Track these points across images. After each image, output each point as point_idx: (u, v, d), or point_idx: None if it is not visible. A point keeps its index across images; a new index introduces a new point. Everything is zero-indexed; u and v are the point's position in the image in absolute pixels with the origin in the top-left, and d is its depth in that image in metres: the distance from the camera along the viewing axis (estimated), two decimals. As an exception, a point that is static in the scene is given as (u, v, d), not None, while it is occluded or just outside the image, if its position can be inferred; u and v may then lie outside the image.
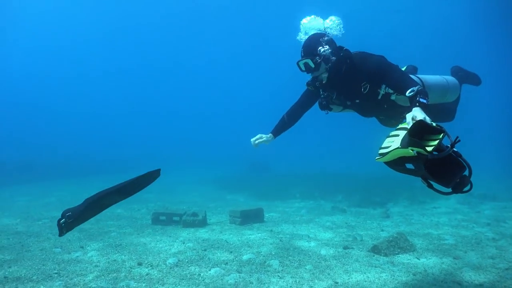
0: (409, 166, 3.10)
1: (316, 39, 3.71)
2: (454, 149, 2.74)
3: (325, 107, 3.98)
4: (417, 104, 3.10)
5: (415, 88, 3.25)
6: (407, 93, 3.26)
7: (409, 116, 2.99)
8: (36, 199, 11.87)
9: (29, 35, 48.33)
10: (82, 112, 50.85)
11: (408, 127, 2.87)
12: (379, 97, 3.76)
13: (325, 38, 3.72)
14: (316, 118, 4.76)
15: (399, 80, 3.53)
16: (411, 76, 3.97)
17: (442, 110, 4.58)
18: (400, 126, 3.16)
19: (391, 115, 4.06)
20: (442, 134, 2.67)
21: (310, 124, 4.44)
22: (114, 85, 57.11)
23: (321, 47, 3.65)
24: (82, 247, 6.12)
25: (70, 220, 3.03)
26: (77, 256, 5.61)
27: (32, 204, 10.79)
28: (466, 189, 2.79)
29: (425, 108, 3.06)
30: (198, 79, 59.19)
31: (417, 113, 2.96)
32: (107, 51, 53.91)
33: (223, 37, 51.54)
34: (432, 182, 2.91)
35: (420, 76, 4.23)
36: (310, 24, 3.86)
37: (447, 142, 2.75)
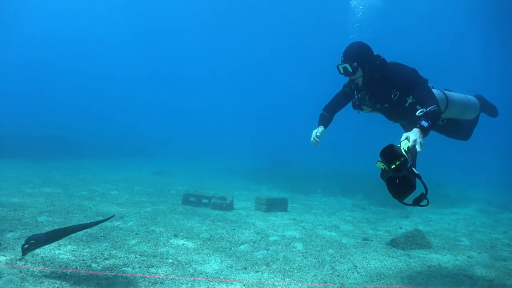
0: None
1: (356, 47, 4.12)
2: (415, 171, 3.09)
3: (357, 107, 4.40)
4: (418, 125, 3.44)
5: (425, 110, 3.57)
6: (417, 113, 3.61)
7: (404, 135, 3.36)
8: (72, 174, 12.56)
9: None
10: (115, 99, 52.39)
11: (401, 145, 3.27)
12: (407, 105, 4.13)
13: (364, 47, 4.13)
14: (339, 117, 5.10)
15: (422, 95, 3.87)
16: (436, 90, 4.35)
17: (460, 127, 4.91)
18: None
19: (414, 123, 4.42)
20: (402, 159, 3.09)
21: (333, 123, 4.77)
22: (152, 74, 58.59)
23: (359, 55, 4.05)
24: (122, 218, 6.67)
25: (32, 247, 3.73)
26: (118, 225, 6.14)
27: (69, 178, 11.46)
28: (423, 203, 3.11)
29: (424, 130, 3.39)
30: (225, 75, 60.01)
31: (412, 134, 3.31)
32: (137, 45, 55.34)
33: (259, 33, 52.03)
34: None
35: (445, 91, 4.59)
36: None
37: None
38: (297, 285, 4.13)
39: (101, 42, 55.31)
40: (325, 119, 4.61)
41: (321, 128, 4.46)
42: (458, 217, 10.14)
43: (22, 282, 3.50)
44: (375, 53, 4.18)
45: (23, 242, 4.61)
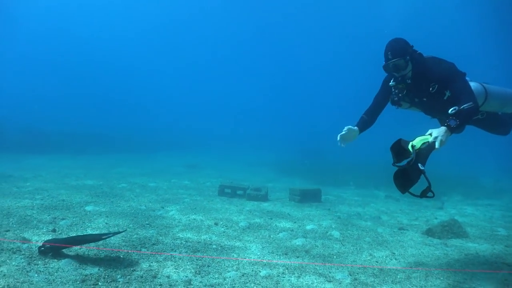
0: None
1: (402, 42, 4.14)
2: (421, 167, 3.28)
3: (396, 103, 4.43)
4: (446, 124, 3.54)
5: (458, 108, 3.64)
6: (449, 110, 3.68)
7: (429, 130, 3.50)
8: (110, 168, 13.02)
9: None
10: (148, 96, 53.71)
11: (427, 139, 3.47)
12: (445, 98, 4.11)
13: (406, 41, 4.15)
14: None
15: (459, 90, 3.92)
16: (475, 83, 4.35)
17: (499, 122, 4.85)
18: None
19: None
20: (411, 157, 3.37)
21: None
22: (185, 69, 59.78)
23: (407, 49, 4.08)
24: (163, 207, 6.94)
25: (48, 250, 3.92)
26: (161, 214, 6.41)
27: (108, 172, 11.89)
28: (429, 194, 3.30)
29: (451, 129, 3.50)
30: (258, 71, 60.45)
31: (436, 131, 3.47)
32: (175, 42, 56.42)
33: (295, 30, 52.25)
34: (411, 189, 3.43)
35: (484, 84, 4.58)
36: None
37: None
38: (338, 269, 4.27)
39: (134, 38, 56.47)
40: (363, 122, 4.53)
41: (354, 128, 4.41)
42: (493, 208, 10.02)
43: (80, 263, 3.77)
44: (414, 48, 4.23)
45: (76, 228, 4.94)
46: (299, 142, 25.70)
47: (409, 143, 3.53)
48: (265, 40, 56.19)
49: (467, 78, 4.25)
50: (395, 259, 4.82)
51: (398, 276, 4.14)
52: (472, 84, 4.22)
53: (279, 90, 61.58)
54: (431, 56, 4.27)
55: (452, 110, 3.66)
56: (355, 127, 4.44)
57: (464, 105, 3.65)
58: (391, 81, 4.33)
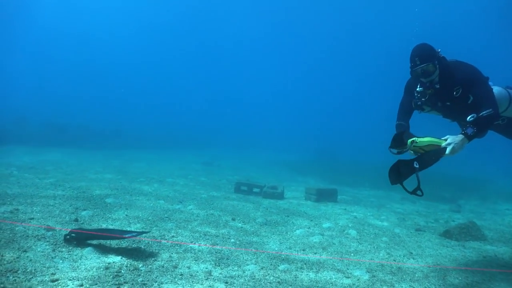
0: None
1: (429, 47, 4.09)
2: (415, 166, 3.38)
3: (419, 107, 4.38)
4: (463, 132, 3.56)
5: (477, 116, 3.66)
6: (468, 118, 3.71)
7: (447, 137, 3.55)
8: (128, 163, 13.16)
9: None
10: (165, 94, 54.26)
11: (440, 143, 3.56)
12: (469, 102, 4.05)
13: (432, 46, 4.10)
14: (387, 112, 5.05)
15: (482, 95, 3.89)
16: (499, 88, 4.33)
17: None
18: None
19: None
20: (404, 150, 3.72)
21: (377, 118, 4.82)
22: (202, 68, 60.21)
23: (434, 54, 4.03)
24: (181, 202, 7.03)
25: (72, 239, 4.01)
26: (179, 208, 6.49)
27: (126, 167, 12.04)
28: (418, 193, 3.37)
29: (468, 137, 3.53)
30: (269, 69, 60.45)
31: (451, 138, 3.53)
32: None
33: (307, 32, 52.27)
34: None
35: (509, 89, 4.52)
36: None
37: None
38: (356, 265, 4.30)
39: (144, 37, 57.03)
40: (401, 127, 4.42)
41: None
42: (512, 213, 9.92)
43: (103, 252, 3.85)
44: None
45: (97, 219, 5.04)
46: (314, 142, 25.66)
47: (412, 138, 3.63)
48: (281, 39, 56.19)
49: (490, 82, 4.22)
50: (413, 258, 4.82)
51: (416, 275, 4.15)
52: (496, 89, 4.20)
53: (295, 90, 61.57)
54: (454, 60, 4.22)
55: (470, 118, 3.67)
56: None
57: (483, 112, 3.65)
58: (418, 86, 4.22)
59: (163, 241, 4.51)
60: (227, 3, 51.45)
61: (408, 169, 3.40)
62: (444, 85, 4.07)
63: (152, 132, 24.27)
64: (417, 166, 3.38)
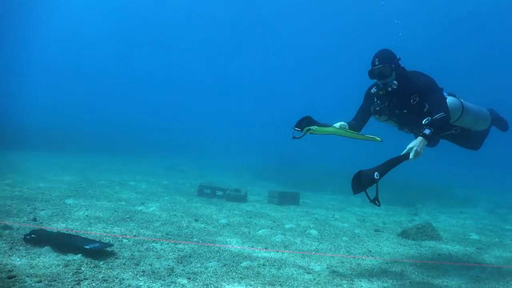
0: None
1: (390, 52, 4.34)
2: (375, 177, 3.51)
3: (377, 112, 4.56)
4: (421, 134, 3.77)
5: (432, 118, 3.88)
6: (423, 121, 3.93)
7: (409, 145, 3.72)
8: (89, 166, 12.88)
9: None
10: (128, 98, 53.12)
11: (404, 151, 3.73)
12: (425, 110, 4.27)
13: (393, 52, 4.34)
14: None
15: (436, 102, 4.13)
16: (453, 98, 4.56)
17: (472, 137, 5.11)
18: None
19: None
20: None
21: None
22: (163, 74, 59.20)
23: (393, 58, 4.28)
24: (143, 203, 6.95)
25: (32, 240, 3.88)
26: (141, 209, 6.42)
27: (87, 168, 11.79)
28: (376, 202, 3.55)
29: (426, 138, 3.73)
30: (230, 74, 60.36)
31: (413, 142, 3.72)
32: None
33: (257, 35, 52.47)
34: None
35: (462, 100, 4.79)
36: None
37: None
38: (316, 262, 4.38)
39: (115, 42, 55.91)
40: (351, 126, 4.62)
41: (345, 124, 4.54)
42: (466, 216, 10.32)
43: (62, 251, 3.77)
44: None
45: (56, 219, 4.93)
46: (277, 148, 25.84)
47: (309, 127, 3.96)
48: (241, 43, 56.15)
49: (444, 93, 4.46)
50: (372, 256, 4.96)
51: (375, 271, 4.27)
52: (450, 99, 4.43)
53: (257, 95, 61.73)
54: (413, 70, 4.44)
55: (425, 121, 3.88)
56: (345, 124, 4.60)
57: (437, 115, 3.87)
58: (373, 88, 4.51)
59: (124, 240, 4.46)
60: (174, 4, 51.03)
61: (368, 179, 3.52)
62: (399, 90, 4.25)
63: (115, 136, 23.79)
64: (377, 178, 3.50)
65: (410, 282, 3.98)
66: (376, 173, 3.51)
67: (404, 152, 3.69)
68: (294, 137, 4.04)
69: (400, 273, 4.25)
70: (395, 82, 4.24)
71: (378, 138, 4.34)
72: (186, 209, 6.94)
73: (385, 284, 3.83)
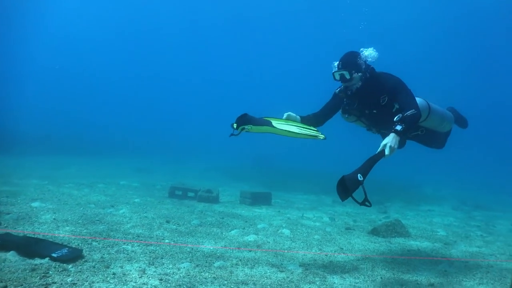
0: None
1: (353, 55, 4.40)
2: (359, 179, 3.52)
3: (347, 112, 4.65)
4: (393, 130, 3.83)
5: (402, 115, 3.96)
6: (395, 118, 3.99)
7: (382, 142, 3.76)
8: (56, 169, 12.55)
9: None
10: (98, 99, 51.79)
11: (379, 149, 3.75)
12: (394, 110, 4.37)
13: (359, 56, 4.41)
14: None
15: (405, 99, 4.24)
16: (421, 99, 4.69)
17: (436, 137, 5.28)
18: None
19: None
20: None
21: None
22: (135, 74, 57.92)
23: (356, 63, 4.34)
24: (113, 206, 6.82)
25: None
26: (111, 212, 6.30)
27: (54, 172, 11.48)
28: (367, 204, 3.58)
29: (398, 134, 3.80)
30: (202, 75, 59.80)
31: (386, 139, 3.77)
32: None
33: (228, 36, 52.22)
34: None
35: (428, 101, 4.93)
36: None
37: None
38: (289, 261, 4.40)
39: (79, 40, 54.50)
40: (307, 118, 4.73)
41: (294, 116, 4.61)
42: (433, 213, 10.58)
43: (28, 255, 3.65)
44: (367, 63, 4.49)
45: (22, 222, 4.78)
46: (250, 149, 25.84)
47: (244, 125, 4.09)
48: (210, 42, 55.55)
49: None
50: (343, 253, 5.02)
51: (347, 267, 4.32)
52: (418, 99, 4.53)
53: (229, 96, 61.50)
54: (382, 72, 4.53)
55: (397, 118, 3.94)
56: (297, 116, 4.65)
57: (408, 112, 3.94)
58: (337, 88, 4.61)
59: (94, 242, 4.36)
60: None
61: (353, 182, 3.51)
62: (363, 94, 4.36)
63: (84, 137, 23.26)
64: (361, 179, 3.51)
65: (381, 277, 4.04)
66: (359, 174, 3.52)
67: (379, 149, 3.73)
68: (232, 135, 4.13)
69: (371, 269, 4.31)
70: (356, 85, 4.35)
71: (322, 136, 4.32)
72: (157, 210, 6.85)
73: (357, 280, 3.88)
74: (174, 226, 5.73)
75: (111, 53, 56.21)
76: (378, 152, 3.73)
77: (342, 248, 5.27)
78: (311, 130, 4.37)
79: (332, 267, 4.27)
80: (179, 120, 50.34)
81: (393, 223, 6.76)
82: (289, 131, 4.25)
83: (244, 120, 4.11)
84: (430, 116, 4.74)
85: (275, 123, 4.29)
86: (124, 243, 4.48)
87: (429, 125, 4.90)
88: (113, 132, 29.17)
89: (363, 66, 4.37)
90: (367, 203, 3.55)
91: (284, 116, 4.58)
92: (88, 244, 4.29)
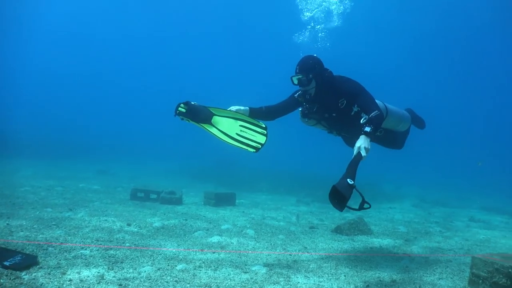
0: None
1: (310, 60, 4.44)
2: (349, 182, 3.48)
3: (306, 115, 4.69)
4: (362, 132, 3.89)
5: (368, 116, 4.03)
6: (361, 120, 4.06)
7: (356, 145, 3.79)
8: (12, 172, 12.03)
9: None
10: (56, 99, 49.99)
11: (354, 153, 3.76)
12: (352, 113, 4.47)
13: (317, 60, 4.46)
14: (284, 122, 5.30)
15: (365, 102, 4.30)
16: (378, 101, 4.75)
17: (394, 138, 5.39)
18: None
19: (356, 134, 4.81)
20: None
21: (280, 126, 5.10)
22: (96, 75, 56.18)
23: (313, 67, 4.37)
24: (71, 210, 6.59)
25: None
26: (69, 215, 6.08)
27: (9, 174, 11.03)
28: (366, 206, 3.53)
29: (368, 135, 3.85)
30: (163, 75, 58.83)
31: (358, 142, 3.80)
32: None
33: (187, 31, 51.70)
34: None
35: (385, 102, 5.02)
36: None
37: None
38: (253, 261, 4.35)
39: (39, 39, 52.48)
40: (259, 111, 4.70)
41: (242, 108, 4.59)
42: (394, 211, 10.79)
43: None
44: (324, 67, 4.53)
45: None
46: (214, 150, 25.66)
47: (187, 119, 4.19)
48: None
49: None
50: (307, 252, 5.02)
51: (311, 266, 4.32)
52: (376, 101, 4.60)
53: (190, 97, 60.74)
54: (339, 75, 4.58)
55: (363, 120, 3.99)
56: (246, 108, 4.63)
57: (372, 114, 4.01)
58: (296, 93, 4.62)
59: (50, 248, 4.18)
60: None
61: (346, 188, 3.44)
62: (320, 97, 4.43)
63: (43, 139, 22.40)
64: (352, 182, 3.46)
65: (344, 275, 4.05)
66: (348, 179, 3.47)
67: (355, 153, 3.74)
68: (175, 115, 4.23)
69: (334, 267, 4.32)
70: (314, 89, 4.40)
71: (252, 149, 4.33)
72: (118, 213, 6.66)
73: (321, 279, 3.87)
74: (135, 229, 5.58)
75: (63, 54, 54.17)
76: (355, 156, 3.73)
77: (306, 247, 5.27)
78: (244, 139, 4.35)
79: (296, 267, 4.25)
80: (141, 121, 49.36)
81: (356, 221, 6.83)
82: (221, 137, 4.30)
83: (187, 108, 4.20)
84: (388, 116, 4.85)
85: (217, 113, 4.34)
86: (82, 248, 4.31)
87: (387, 125, 4.98)
88: (74, 134, 28.30)
89: (321, 70, 4.41)
90: (366, 205, 3.50)
91: (234, 109, 4.56)
92: (44, 250, 4.11)
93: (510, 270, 3.60)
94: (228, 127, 4.34)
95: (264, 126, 4.46)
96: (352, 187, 3.45)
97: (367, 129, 3.87)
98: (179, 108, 4.20)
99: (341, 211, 3.57)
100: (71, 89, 54.59)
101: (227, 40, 51.69)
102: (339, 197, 3.46)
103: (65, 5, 48.04)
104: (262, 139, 4.36)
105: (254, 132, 4.38)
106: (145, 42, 54.34)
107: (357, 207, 3.49)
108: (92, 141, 26.42)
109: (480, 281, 3.80)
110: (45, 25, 48.31)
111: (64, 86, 54.33)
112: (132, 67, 57.54)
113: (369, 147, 3.77)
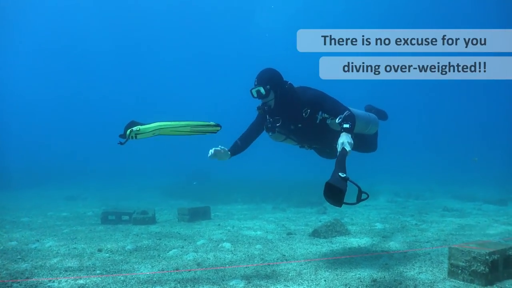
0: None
1: (270, 72, 4.44)
2: (342, 175, 3.38)
3: (270, 129, 4.63)
4: (342, 129, 3.89)
5: (342, 115, 4.04)
6: (337, 120, 4.05)
7: (339, 142, 3.75)
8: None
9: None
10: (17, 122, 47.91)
11: (339, 149, 3.70)
12: (317, 121, 4.43)
13: (275, 72, 4.47)
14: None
15: (333, 105, 4.33)
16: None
17: (365, 142, 5.38)
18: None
19: (326, 143, 4.79)
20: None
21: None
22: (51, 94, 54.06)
23: (271, 79, 4.37)
24: (38, 240, 6.30)
25: None
26: (36, 247, 5.80)
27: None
28: (363, 197, 3.45)
29: (348, 131, 3.85)
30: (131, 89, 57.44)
31: (341, 139, 3.76)
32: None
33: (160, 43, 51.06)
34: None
35: (350, 107, 5.03)
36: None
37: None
38: (231, 276, 4.22)
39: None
40: (236, 147, 4.75)
41: (227, 152, 4.62)
42: (370, 208, 10.85)
43: None
44: (284, 79, 4.51)
45: None
46: (185, 164, 25.38)
47: (135, 128, 3.92)
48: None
49: None
50: (286, 260, 4.92)
51: (290, 274, 4.22)
52: None
53: (160, 111, 59.74)
54: (301, 86, 4.59)
55: (339, 119, 4.00)
56: (228, 151, 4.64)
57: (345, 113, 4.03)
58: (259, 105, 4.59)
59: (14, 284, 3.94)
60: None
61: (341, 182, 3.35)
62: (283, 109, 4.41)
63: (3, 168, 21.57)
64: (344, 175, 3.37)
65: (324, 280, 3.97)
66: (339, 173, 3.38)
67: (339, 150, 3.68)
68: (120, 143, 3.95)
69: (314, 273, 4.24)
70: (272, 101, 4.39)
71: (215, 127, 4.29)
72: (88, 240, 6.41)
73: (301, 287, 3.78)
74: (107, 254, 5.36)
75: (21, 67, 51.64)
76: (340, 152, 3.65)
77: (285, 255, 5.17)
78: (202, 126, 4.27)
79: (275, 277, 4.15)
80: (102, 141, 47.84)
81: (333, 222, 6.79)
82: (178, 128, 4.16)
83: (131, 125, 3.97)
84: (356, 121, 4.80)
85: (163, 124, 4.14)
86: (50, 281, 4.09)
87: (356, 130, 4.95)
88: (39, 160, 27.48)
89: (279, 81, 4.40)
90: (363, 195, 3.41)
91: (212, 152, 4.53)
92: (8, 287, 3.87)
93: (487, 257, 3.60)
94: (178, 128, 4.19)
95: (215, 123, 4.34)
96: (345, 179, 3.37)
97: (346, 125, 3.87)
98: (133, 131, 3.95)
99: (340, 207, 3.49)
100: (34, 112, 52.34)
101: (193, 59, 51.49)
102: (334, 192, 3.36)
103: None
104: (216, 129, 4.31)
105: (203, 125, 4.28)
106: (109, 58, 52.90)
107: (352, 201, 3.44)
108: (59, 166, 25.67)
109: (459, 271, 3.79)
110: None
111: (26, 108, 51.94)
112: (95, 83, 55.66)
113: (352, 142, 3.74)
